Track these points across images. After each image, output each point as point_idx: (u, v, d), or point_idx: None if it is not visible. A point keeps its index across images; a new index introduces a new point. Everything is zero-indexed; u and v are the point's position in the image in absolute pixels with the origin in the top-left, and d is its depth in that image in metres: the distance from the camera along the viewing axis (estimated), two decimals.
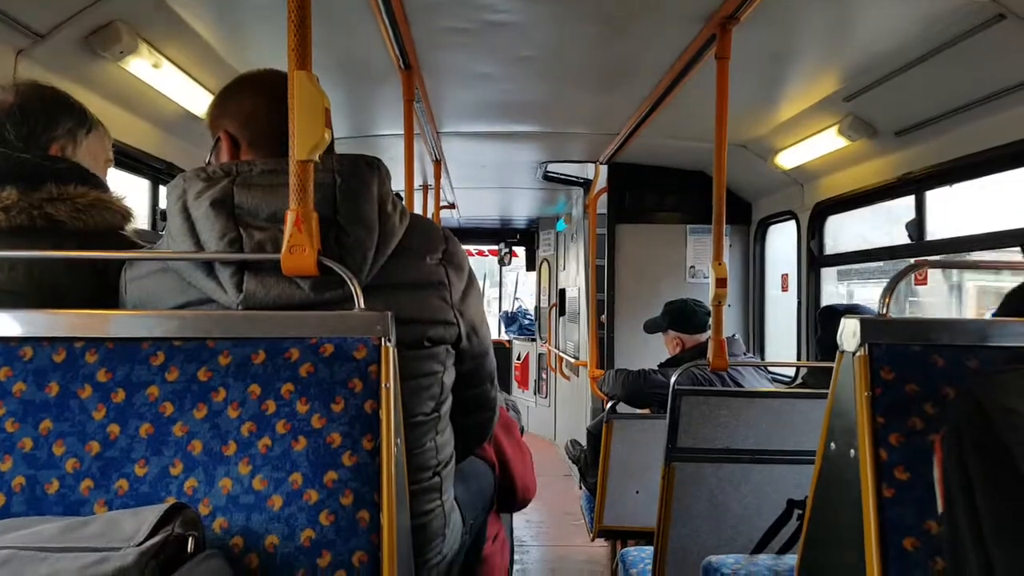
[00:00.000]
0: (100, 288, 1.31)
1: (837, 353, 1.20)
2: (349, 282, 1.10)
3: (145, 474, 1.03)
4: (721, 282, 2.41)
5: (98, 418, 1.05)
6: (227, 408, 1.05)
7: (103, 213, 1.40)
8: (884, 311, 1.19)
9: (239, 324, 1.10)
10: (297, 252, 1.12)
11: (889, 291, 1.19)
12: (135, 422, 1.05)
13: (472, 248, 10.41)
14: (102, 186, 1.47)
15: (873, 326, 1.15)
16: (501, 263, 10.08)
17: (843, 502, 1.17)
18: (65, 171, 1.39)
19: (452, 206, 7.11)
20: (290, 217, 1.12)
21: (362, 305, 1.10)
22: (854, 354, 1.15)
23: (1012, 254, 2.67)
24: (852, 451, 1.13)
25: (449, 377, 1.38)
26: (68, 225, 1.35)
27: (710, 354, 2.45)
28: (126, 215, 1.47)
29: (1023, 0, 2.04)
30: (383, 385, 1.06)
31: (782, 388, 3.94)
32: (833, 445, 1.20)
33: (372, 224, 1.22)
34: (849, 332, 1.17)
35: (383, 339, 1.07)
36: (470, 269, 1.41)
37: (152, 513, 0.85)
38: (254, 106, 1.31)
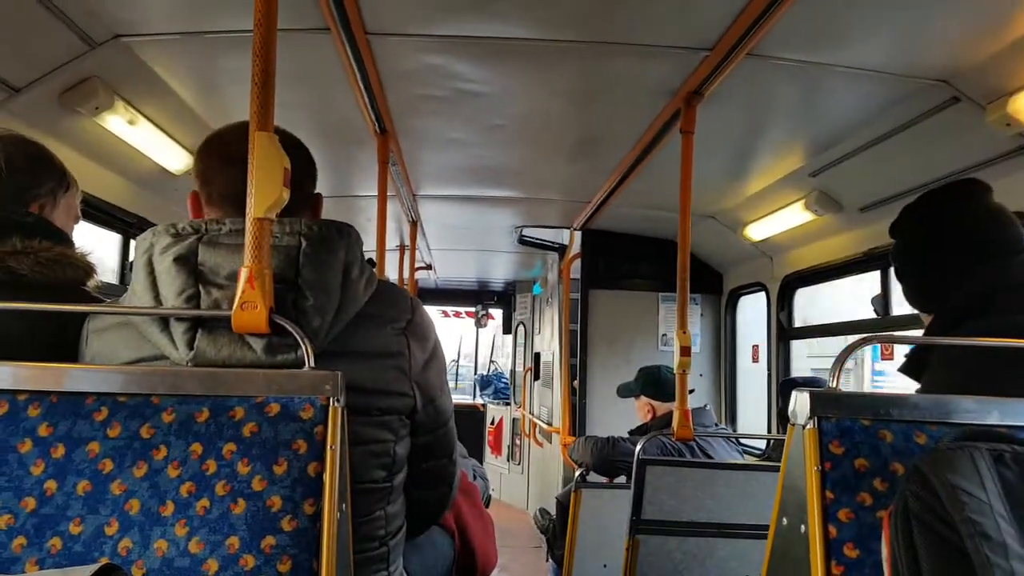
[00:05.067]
0: (58, 342, 1.29)
1: (788, 426, 1.20)
2: (301, 341, 1.10)
3: (80, 533, 1.01)
4: (685, 350, 2.41)
5: (36, 473, 1.03)
6: (167, 467, 1.03)
7: (65, 268, 1.41)
8: (834, 384, 1.19)
9: (185, 381, 1.09)
10: (249, 309, 1.11)
11: (839, 365, 1.20)
12: (73, 479, 1.03)
13: (448, 309, 10.40)
14: (67, 241, 1.48)
15: (822, 400, 1.15)
16: (477, 325, 10.06)
17: None
18: (31, 225, 1.40)
19: (429, 267, 7.13)
20: (243, 274, 1.12)
21: (311, 365, 1.09)
22: (804, 427, 1.15)
23: None
24: (803, 526, 1.12)
25: (403, 448, 1.34)
26: (29, 278, 1.35)
27: (674, 423, 2.44)
28: (88, 270, 1.47)
29: (975, 84, 2.15)
30: (329, 447, 1.03)
31: (751, 460, 3.92)
32: (785, 520, 1.19)
33: (332, 290, 1.21)
34: (800, 405, 1.17)
35: (331, 399, 1.06)
36: (436, 340, 1.38)
37: (81, 573, 0.84)
38: (207, 166, 1.33)
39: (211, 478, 1.02)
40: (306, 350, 1.09)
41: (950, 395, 1.21)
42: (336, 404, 1.06)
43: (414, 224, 4.86)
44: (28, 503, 1.01)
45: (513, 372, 9.13)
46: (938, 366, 1.50)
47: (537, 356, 7.68)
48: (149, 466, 1.03)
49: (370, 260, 1.34)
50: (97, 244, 3.05)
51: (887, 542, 1.02)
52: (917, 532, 0.98)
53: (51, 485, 1.02)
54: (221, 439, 1.04)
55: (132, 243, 3.19)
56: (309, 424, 1.05)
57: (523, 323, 8.72)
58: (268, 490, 1.01)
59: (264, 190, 1.14)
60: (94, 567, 0.84)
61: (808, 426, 1.14)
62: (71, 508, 1.01)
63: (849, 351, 1.21)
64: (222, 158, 1.30)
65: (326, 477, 1.02)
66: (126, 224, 3.11)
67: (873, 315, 3.33)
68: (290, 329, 1.11)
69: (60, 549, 1.00)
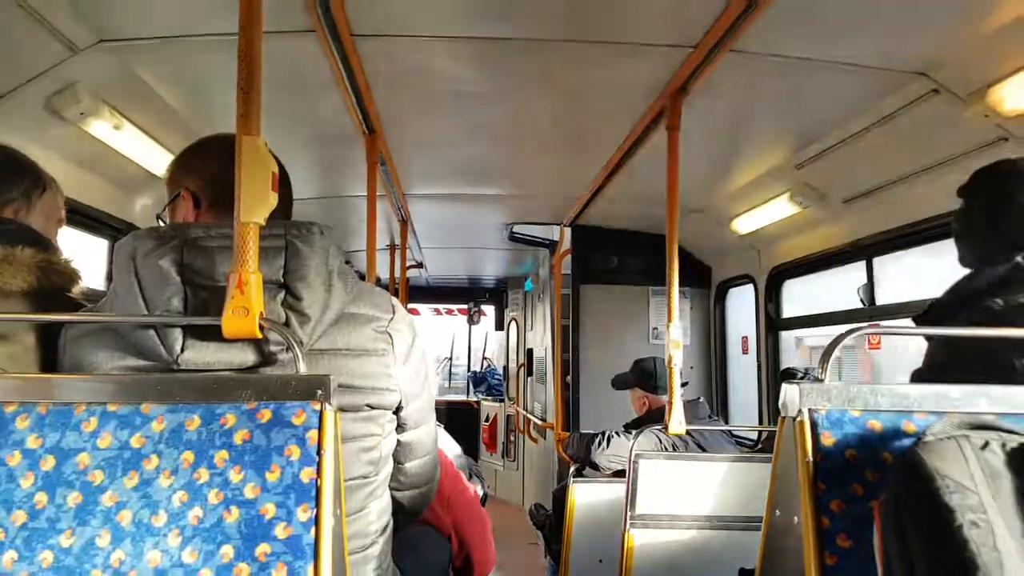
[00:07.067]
0: (47, 351, 1.27)
1: (779, 419, 1.21)
2: (292, 346, 1.10)
3: (71, 545, 1.00)
4: (674, 344, 2.43)
5: (25, 486, 1.02)
6: (159, 477, 1.03)
7: (50, 275, 1.38)
8: (823, 376, 1.20)
9: (175, 388, 1.08)
10: (239, 314, 1.11)
11: (827, 357, 1.21)
12: (63, 491, 1.02)
13: (440, 307, 10.39)
14: (51, 248, 1.46)
15: (811, 392, 1.16)
16: (470, 322, 10.05)
17: (789, 570, 1.16)
18: (13, 232, 1.38)
19: (420, 265, 7.12)
20: (232, 279, 1.11)
21: (303, 370, 1.08)
22: (794, 420, 1.16)
23: None
24: (795, 518, 1.13)
25: (389, 442, 1.37)
26: (12, 286, 1.32)
27: (667, 418, 2.45)
28: (73, 277, 1.45)
29: (954, 76, 2.17)
30: (323, 452, 1.03)
31: (745, 452, 3.94)
32: (778, 512, 1.20)
33: (320, 288, 1.22)
34: (789, 398, 1.18)
35: (323, 403, 1.05)
36: (415, 338, 1.40)
37: None
38: (219, 168, 1.32)
39: (203, 487, 1.02)
40: (296, 355, 1.09)
41: (937, 384, 1.22)
42: (328, 408, 1.05)
43: (404, 223, 4.85)
44: (18, 517, 1.00)
45: (506, 368, 9.12)
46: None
47: (530, 352, 7.67)
48: (140, 476, 1.02)
49: (347, 261, 1.35)
50: (83, 249, 3.02)
51: (878, 531, 1.04)
52: (907, 521, 0.99)
53: (41, 498, 1.01)
54: (213, 447, 1.03)
55: None
56: (301, 429, 1.04)
57: (515, 319, 8.71)
58: (261, 497, 1.01)
59: (252, 194, 1.14)
60: None
61: (798, 418, 1.15)
62: (62, 521, 1.00)
63: (836, 342, 1.22)
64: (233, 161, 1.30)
65: (320, 482, 1.02)
66: (113, 229, 3.08)
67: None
68: (281, 335, 1.11)
69: (51, 563, 0.99)
